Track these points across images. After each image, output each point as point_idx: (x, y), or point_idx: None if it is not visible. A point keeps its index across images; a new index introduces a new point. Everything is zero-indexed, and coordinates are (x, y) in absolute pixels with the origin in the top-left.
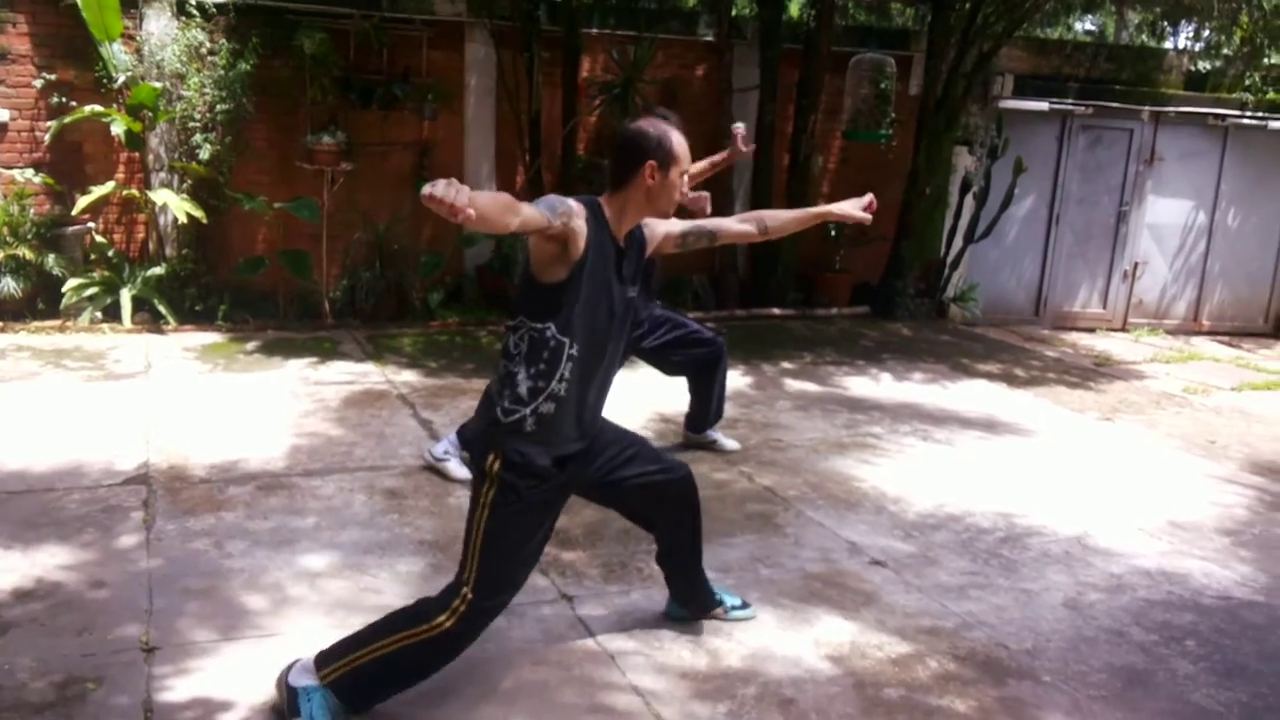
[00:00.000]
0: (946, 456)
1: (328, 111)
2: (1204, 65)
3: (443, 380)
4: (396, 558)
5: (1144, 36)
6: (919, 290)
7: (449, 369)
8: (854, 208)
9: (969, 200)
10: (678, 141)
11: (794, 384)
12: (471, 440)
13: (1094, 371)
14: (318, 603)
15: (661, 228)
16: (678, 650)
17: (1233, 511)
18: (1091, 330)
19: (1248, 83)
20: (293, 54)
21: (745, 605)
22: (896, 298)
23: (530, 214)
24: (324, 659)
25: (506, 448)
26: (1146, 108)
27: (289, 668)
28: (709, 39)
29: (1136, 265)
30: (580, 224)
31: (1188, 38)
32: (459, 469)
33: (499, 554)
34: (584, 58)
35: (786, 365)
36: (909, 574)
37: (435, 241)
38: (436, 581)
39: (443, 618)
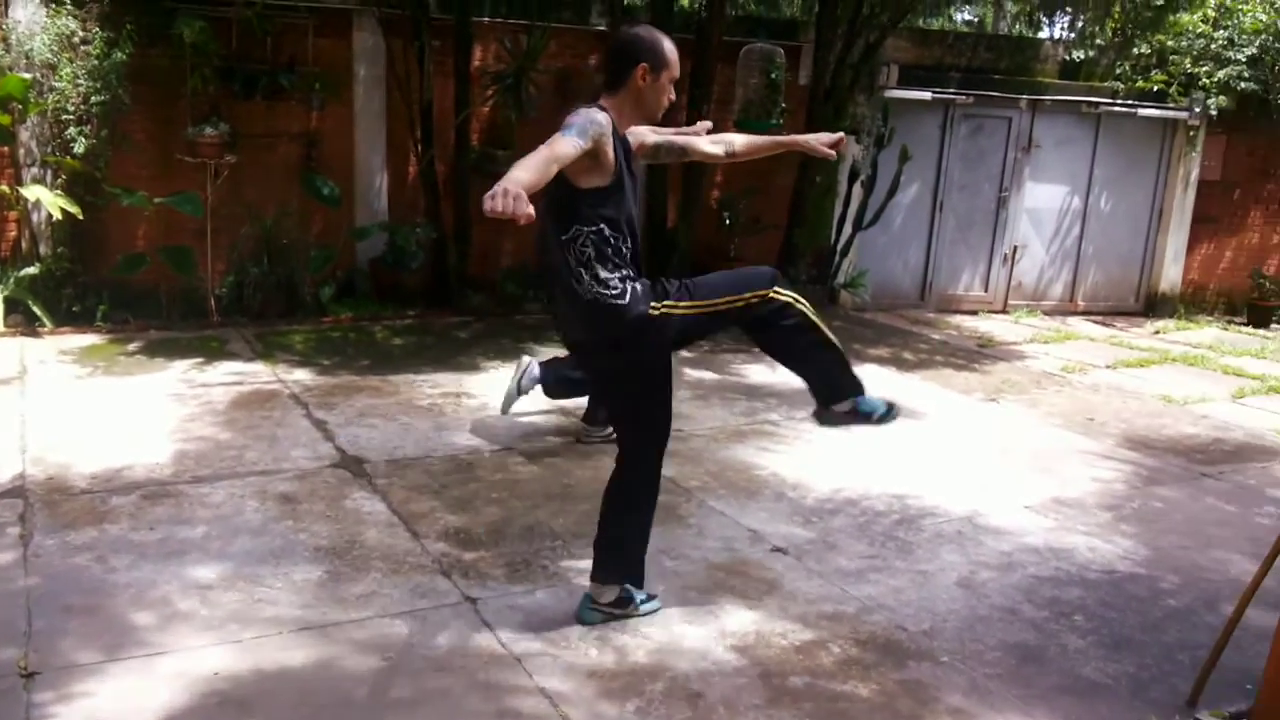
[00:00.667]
0: (842, 441)
1: (210, 102)
2: (1078, 55)
3: (336, 378)
4: (292, 566)
5: (1020, 27)
6: (811, 277)
7: (343, 366)
8: (820, 142)
9: (857, 188)
10: (669, 48)
11: (692, 373)
12: (623, 333)
13: (978, 353)
14: (209, 617)
15: (638, 135)
16: (585, 649)
17: (1113, 487)
18: (974, 313)
19: (1118, 71)
20: (171, 43)
21: (653, 598)
22: (790, 285)
23: (564, 153)
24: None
25: (645, 309)
26: (1024, 96)
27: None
28: (602, 28)
29: (1016, 249)
30: (609, 136)
31: (1062, 28)
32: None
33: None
34: (476, 46)
35: (684, 354)
36: (810, 560)
37: (325, 235)
38: (337, 589)
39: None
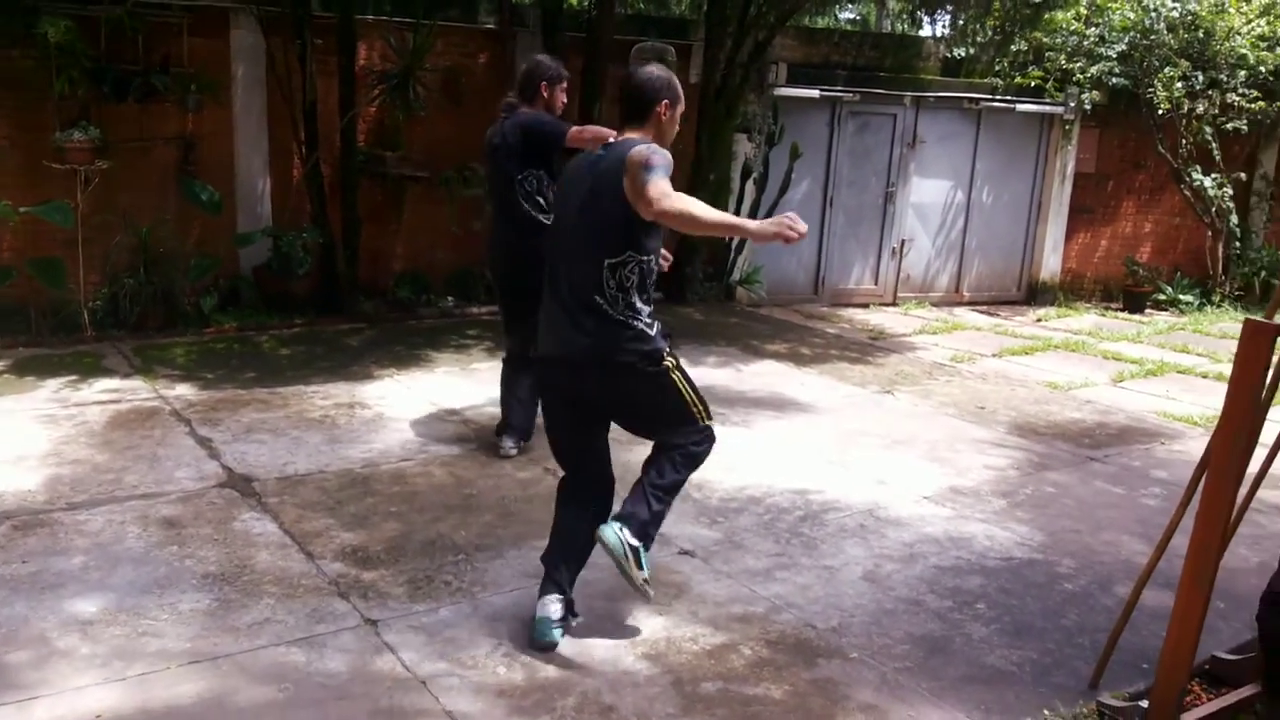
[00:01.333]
0: (744, 439)
1: (78, 106)
2: (958, 52)
3: (221, 392)
4: (179, 595)
5: (903, 25)
6: (707, 275)
7: (227, 379)
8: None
9: (750, 186)
10: (678, 84)
11: None
12: (636, 360)
13: (871, 346)
14: (91, 654)
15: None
16: (493, 667)
17: (1006, 474)
18: (866, 305)
19: (997, 68)
20: (35, 43)
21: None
22: (687, 283)
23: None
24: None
25: (665, 347)
26: (908, 93)
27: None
28: (491, 26)
29: (903, 242)
30: None
31: (943, 26)
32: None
33: (696, 391)
34: (361, 45)
35: None
36: (717, 561)
37: (206, 242)
38: (227, 618)
39: (706, 447)
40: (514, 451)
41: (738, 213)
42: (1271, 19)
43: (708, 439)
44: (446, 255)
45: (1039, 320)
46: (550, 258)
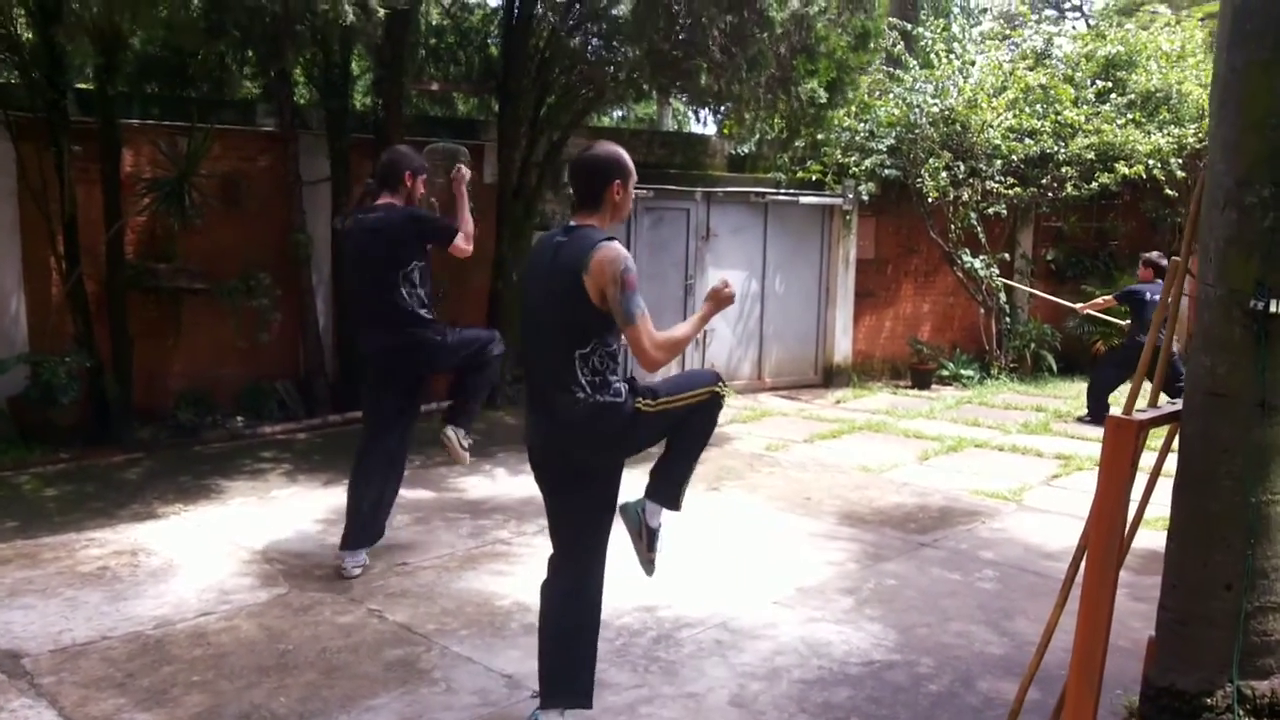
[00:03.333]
0: None
1: None
2: (743, 149)
3: None
4: None
5: (689, 123)
6: (516, 376)
7: None
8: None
9: None
10: (628, 159)
11: (407, 493)
12: (615, 433)
13: None
14: None
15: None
16: None
17: (846, 568)
18: None
19: (779, 163)
20: None
21: None
22: (496, 387)
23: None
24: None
25: (630, 404)
26: (699, 189)
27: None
28: (271, 129)
29: (706, 333)
30: None
31: (729, 126)
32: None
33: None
34: (127, 151)
35: None
36: None
37: None
38: None
39: (716, 414)
40: (358, 571)
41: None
42: (1018, 112)
43: (717, 405)
44: (233, 371)
45: (838, 402)
46: (523, 343)
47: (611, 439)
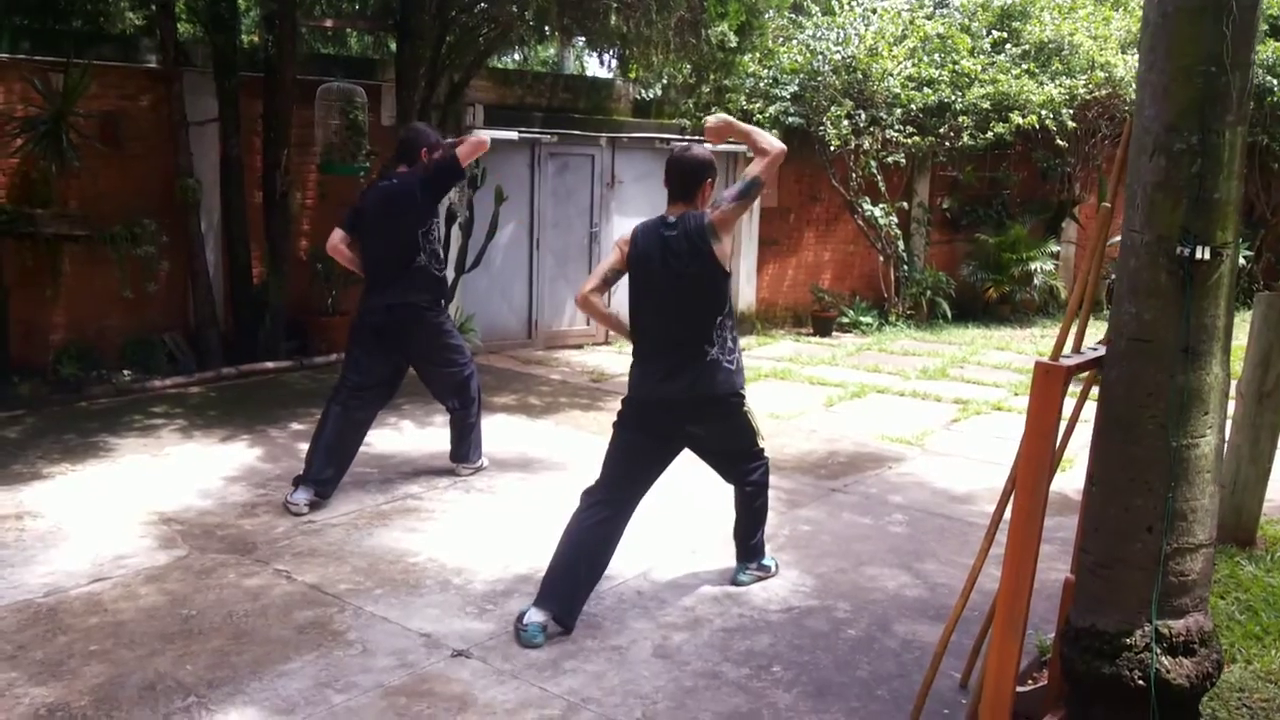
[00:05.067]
0: (492, 506)
1: None
2: (648, 94)
3: None
4: None
5: (592, 66)
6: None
7: None
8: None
9: (456, 232)
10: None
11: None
12: (725, 393)
13: (597, 390)
14: None
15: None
16: None
17: None
18: (580, 346)
19: (683, 108)
20: None
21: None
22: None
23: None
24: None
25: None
26: (603, 135)
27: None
28: (154, 66)
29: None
30: None
31: (635, 69)
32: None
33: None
34: None
35: (296, 426)
36: (496, 659)
37: None
38: None
39: (764, 475)
40: (306, 509)
41: (446, 260)
42: (917, 61)
43: (767, 467)
44: (119, 322)
45: (744, 349)
46: (649, 318)
47: (726, 403)
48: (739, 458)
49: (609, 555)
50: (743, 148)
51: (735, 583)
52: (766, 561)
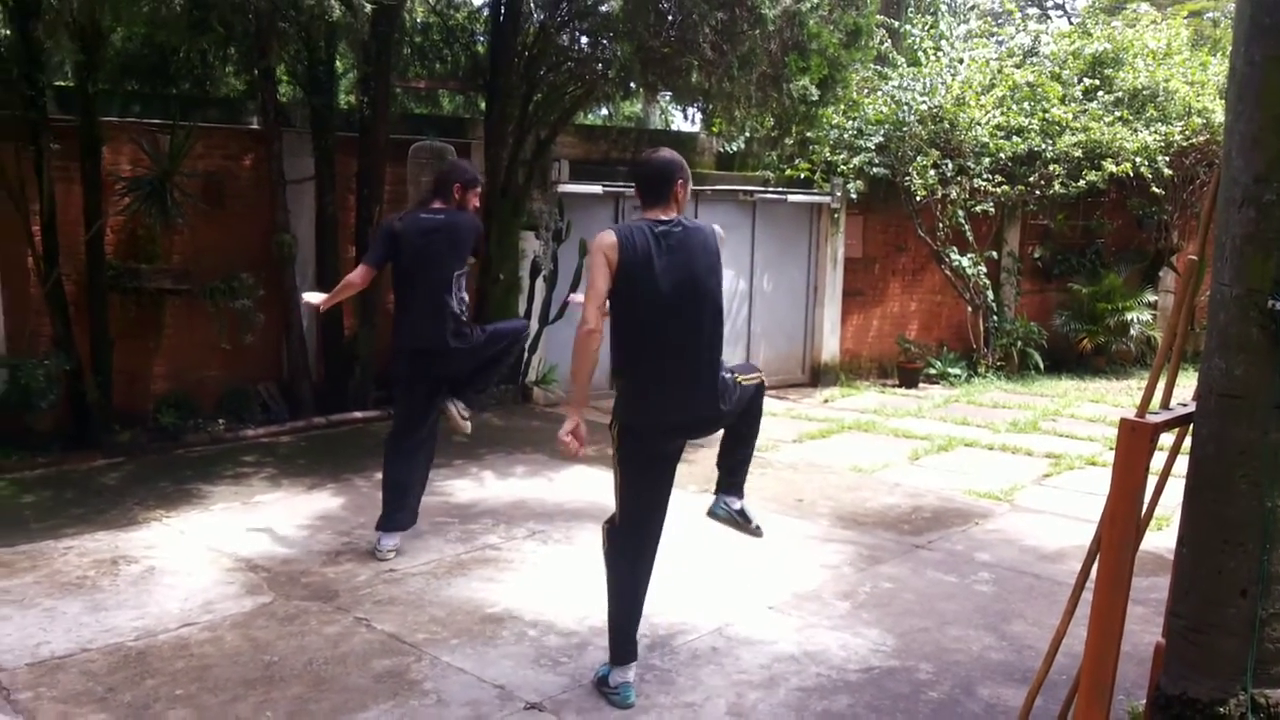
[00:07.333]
0: (569, 557)
1: None
2: (731, 147)
3: None
4: None
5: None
6: (503, 376)
7: None
8: None
9: (540, 284)
10: (683, 160)
11: None
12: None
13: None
14: None
15: None
16: None
17: (841, 571)
18: None
19: (767, 161)
20: None
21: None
22: (484, 386)
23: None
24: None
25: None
26: None
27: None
28: (255, 127)
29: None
30: None
31: (718, 123)
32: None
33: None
34: (106, 149)
35: (380, 475)
36: (570, 712)
37: None
38: None
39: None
40: (390, 554)
41: (529, 313)
42: (1005, 110)
43: (763, 391)
44: (216, 373)
45: (826, 401)
46: (652, 332)
47: (724, 415)
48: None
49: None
50: (826, 199)
51: (711, 513)
52: (750, 515)
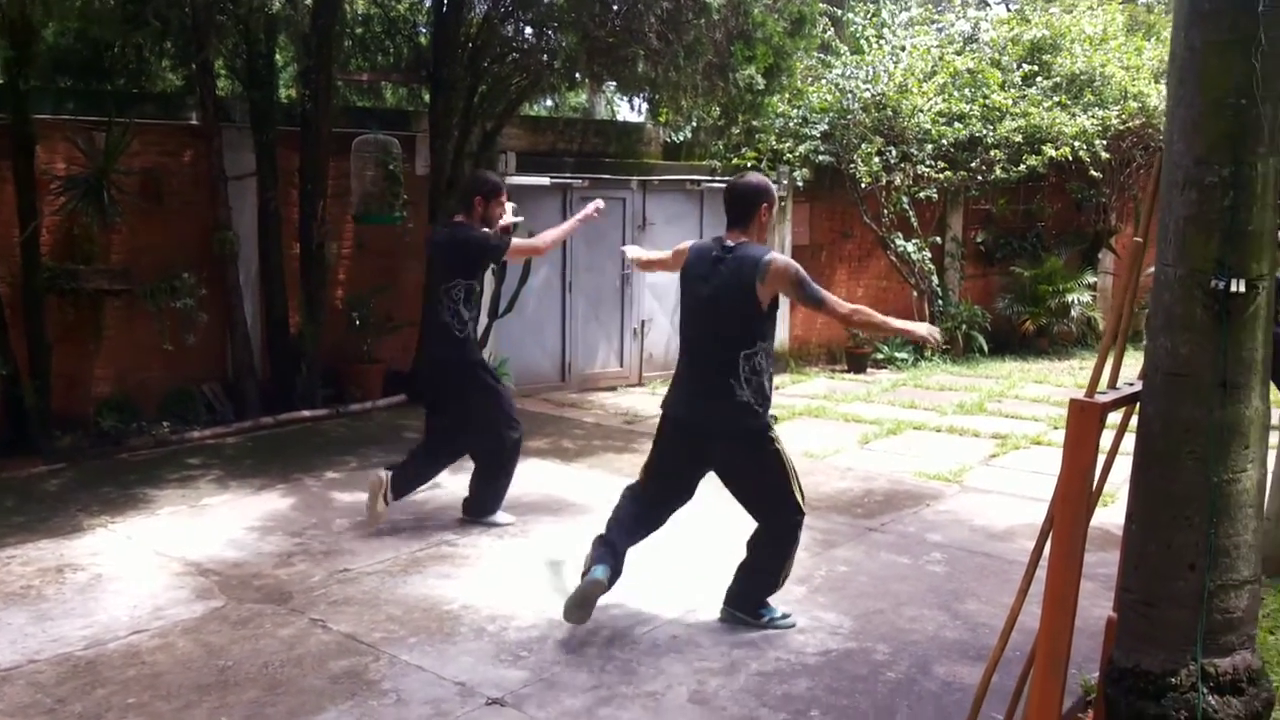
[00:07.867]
0: (526, 551)
1: None
2: (678, 136)
3: None
4: None
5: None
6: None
7: None
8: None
9: (489, 278)
10: (773, 187)
11: (344, 496)
12: (755, 428)
13: (630, 432)
14: None
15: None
16: None
17: (796, 556)
18: (614, 388)
19: (714, 150)
20: None
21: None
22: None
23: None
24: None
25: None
26: (634, 177)
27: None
28: (193, 122)
29: (644, 323)
30: None
31: (664, 113)
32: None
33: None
34: (40, 148)
35: (332, 475)
36: (531, 706)
37: None
38: None
39: (799, 535)
40: (511, 519)
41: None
42: (947, 97)
43: (800, 522)
44: (158, 375)
45: (777, 388)
46: (687, 337)
47: (749, 436)
48: (769, 502)
49: (644, 536)
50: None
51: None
52: (770, 616)
